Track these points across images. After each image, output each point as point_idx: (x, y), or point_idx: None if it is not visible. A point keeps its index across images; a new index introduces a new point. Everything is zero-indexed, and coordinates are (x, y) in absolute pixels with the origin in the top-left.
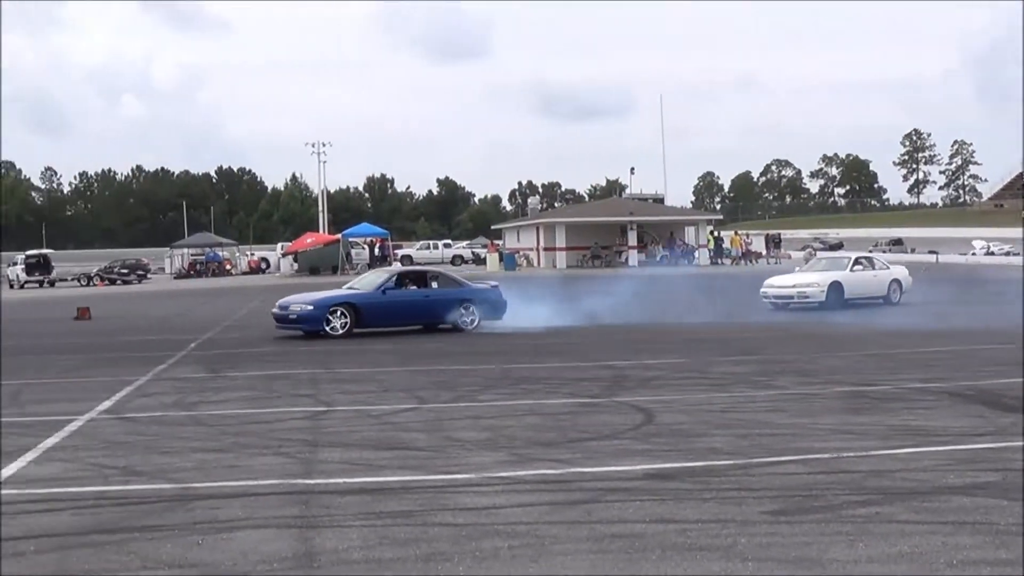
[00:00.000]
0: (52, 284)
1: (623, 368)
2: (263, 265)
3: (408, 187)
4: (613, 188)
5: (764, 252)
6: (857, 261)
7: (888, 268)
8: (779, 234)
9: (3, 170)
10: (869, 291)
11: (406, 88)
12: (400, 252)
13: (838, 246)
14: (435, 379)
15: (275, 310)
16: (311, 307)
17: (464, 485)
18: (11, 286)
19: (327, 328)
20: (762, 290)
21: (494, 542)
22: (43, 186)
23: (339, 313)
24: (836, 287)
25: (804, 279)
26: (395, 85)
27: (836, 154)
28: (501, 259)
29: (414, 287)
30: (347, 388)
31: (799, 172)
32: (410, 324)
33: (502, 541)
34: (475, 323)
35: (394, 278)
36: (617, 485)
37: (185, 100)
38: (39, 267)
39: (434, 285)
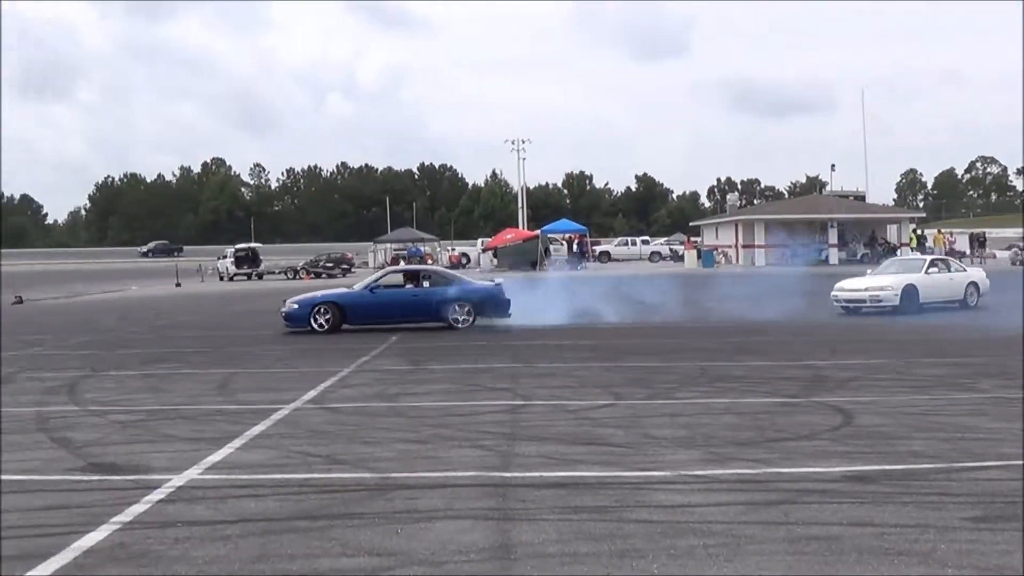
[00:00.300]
0: (260, 277)
1: (822, 368)
2: (463, 260)
3: (606, 183)
4: (813, 185)
5: (968, 251)
6: (933, 263)
7: (965, 270)
8: (984, 233)
9: (213, 167)
10: (945, 294)
11: (605, 85)
12: (598, 248)
13: None
14: (632, 376)
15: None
16: (296, 306)
17: (660, 482)
18: (221, 278)
19: (313, 325)
20: (832, 293)
21: (689, 540)
22: (252, 182)
23: (322, 311)
24: (911, 290)
25: (877, 282)
26: (594, 83)
27: None
28: (699, 256)
29: (409, 285)
30: (545, 383)
31: (1005, 169)
32: (399, 321)
33: (697, 540)
34: (469, 321)
35: (384, 276)
36: (815, 487)
37: (389, 98)
38: (248, 260)
39: (426, 284)
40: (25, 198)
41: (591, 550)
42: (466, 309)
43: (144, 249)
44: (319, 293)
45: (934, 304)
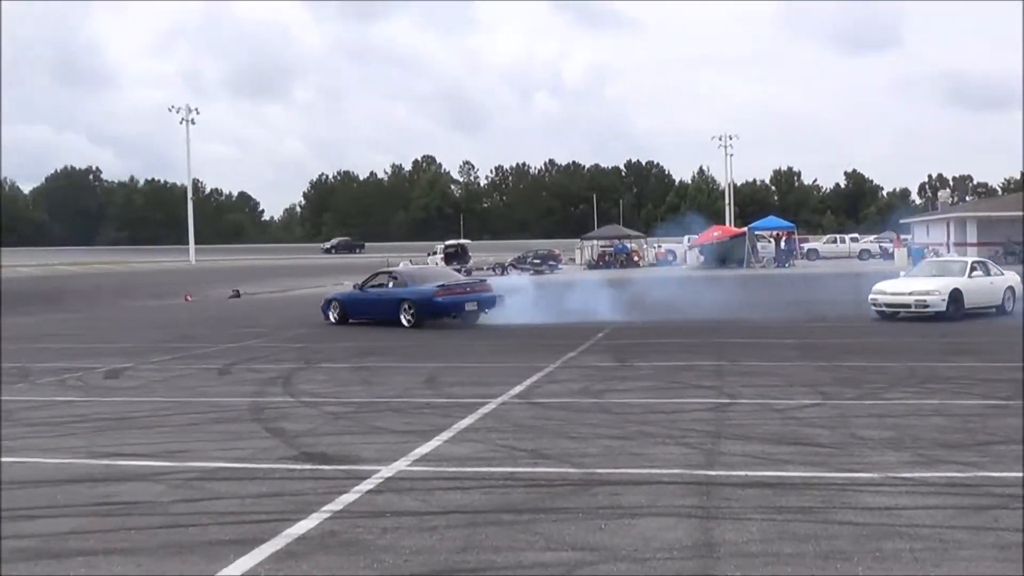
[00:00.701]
0: (468, 273)
1: None
2: (669, 257)
3: (815, 180)
4: None
5: None
6: (974, 266)
7: (1003, 274)
8: None
9: (424, 164)
10: (986, 300)
11: (813, 81)
12: (806, 246)
13: None
14: (840, 375)
15: None
16: (323, 302)
17: (867, 484)
18: None
19: (330, 317)
20: (870, 296)
21: (895, 543)
22: (461, 179)
23: (334, 306)
24: (956, 295)
25: (922, 285)
26: (802, 78)
27: None
28: (909, 254)
29: (390, 284)
30: (751, 381)
31: None
32: (380, 317)
33: (904, 543)
34: (411, 321)
35: (374, 278)
36: None
37: (595, 96)
38: (457, 256)
39: (390, 285)
40: (243, 195)
41: (795, 551)
42: (411, 311)
43: (327, 246)
44: (332, 292)
45: (975, 310)
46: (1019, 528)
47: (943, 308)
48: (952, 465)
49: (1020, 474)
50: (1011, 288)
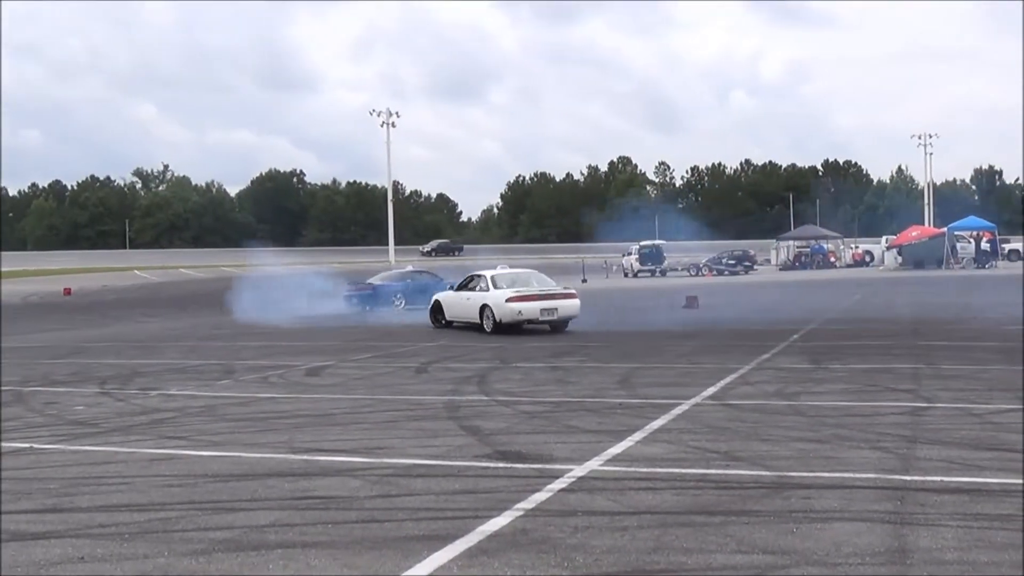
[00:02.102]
0: (663, 273)
1: None
2: (867, 258)
3: (1017, 179)
4: None
5: None
6: None
7: None
8: None
9: (620, 165)
10: None
11: (1015, 76)
12: (1007, 247)
13: None
14: None
15: None
16: (345, 293)
17: None
18: (625, 275)
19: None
20: None
21: None
22: (656, 180)
23: (355, 300)
24: None
25: None
26: (1003, 73)
27: None
28: None
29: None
30: (950, 385)
31: None
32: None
33: None
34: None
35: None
36: None
37: (792, 94)
38: (651, 257)
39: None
40: (441, 197)
41: (991, 559)
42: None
43: (426, 248)
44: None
45: None
46: None
47: None
48: None
49: None
50: None
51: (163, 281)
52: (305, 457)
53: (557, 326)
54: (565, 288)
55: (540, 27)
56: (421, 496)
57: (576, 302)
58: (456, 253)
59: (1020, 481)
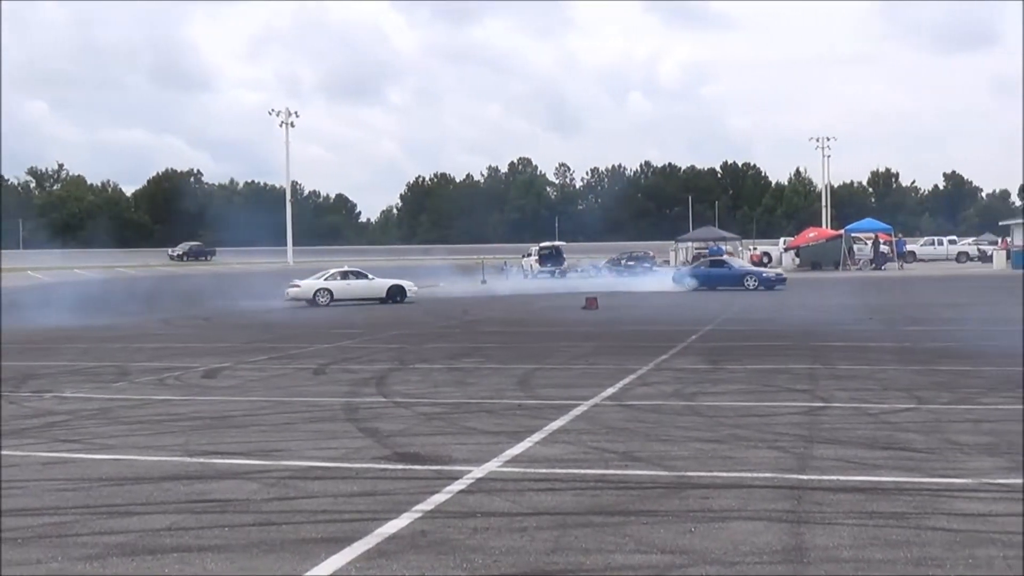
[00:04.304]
0: (563, 275)
1: None
2: (765, 259)
3: (913, 182)
4: None
5: None
6: None
7: None
8: None
9: (520, 166)
10: None
11: (911, 80)
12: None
13: None
14: (936, 379)
15: None
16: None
17: (961, 490)
18: (525, 276)
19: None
20: None
21: (989, 551)
22: (557, 181)
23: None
24: None
25: None
26: (901, 78)
27: None
28: (1008, 256)
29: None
30: (846, 385)
31: None
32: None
33: (997, 550)
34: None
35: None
36: None
37: (690, 97)
38: (551, 258)
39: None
40: (340, 197)
41: (886, 556)
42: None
43: (175, 252)
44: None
45: None
46: None
47: None
48: None
49: None
50: None
51: (56, 282)
52: (202, 460)
53: None
54: None
55: (438, 27)
56: (319, 498)
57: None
58: (208, 257)
59: (914, 479)
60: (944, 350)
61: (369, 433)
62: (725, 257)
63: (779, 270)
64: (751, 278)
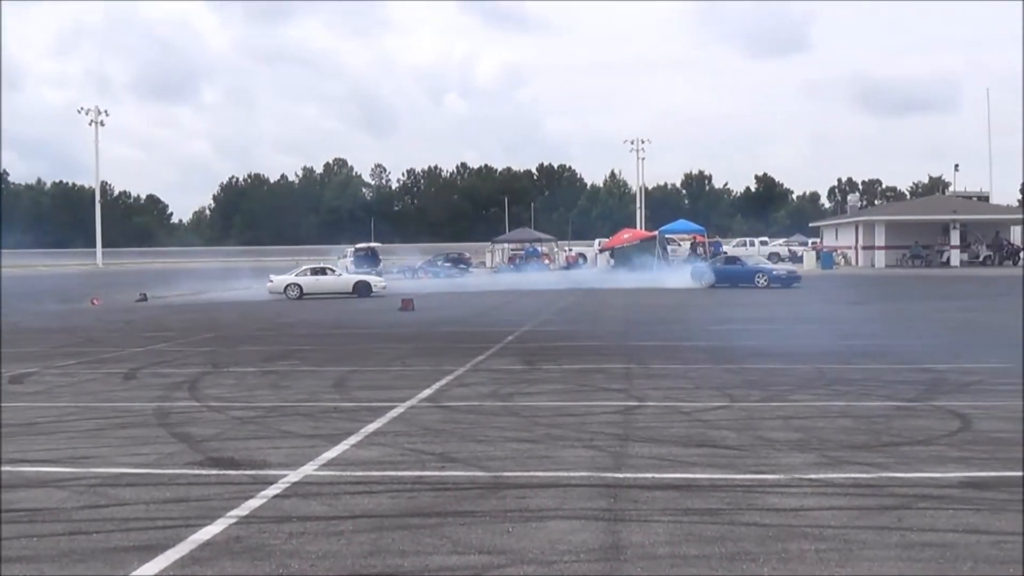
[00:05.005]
0: (379, 276)
1: (942, 371)
2: (580, 260)
3: (725, 184)
4: (936, 185)
5: None
6: None
7: None
8: None
9: (335, 167)
10: None
11: (724, 84)
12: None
13: None
14: (747, 377)
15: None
16: (272, 282)
17: (773, 485)
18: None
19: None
20: None
21: (801, 544)
22: (373, 182)
23: (292, 287)
24: None
25: None
26: (714, 81)
27: None
28: (818, 257)
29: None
30: (660, 384)
31: None
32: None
33: (809, 544)
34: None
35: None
36: (930, 492)
37: (506, 98)
38: (367, 259)
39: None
40: (151, 198)
41: (701, 552)
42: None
43: None
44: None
45: None
46: (923, 528)
47: None
48: (857, 466)
49: (923, 475)
50: None
51: None
52: (8, 468)
53: None
54: None
55: (251, 27)
56: (130, 506)
57: None
58: None
59: (727, 476)
60: (754, 349)
61: (182, 438)
62: (738, 254)
63: (793, 267)
64: (762, 276)
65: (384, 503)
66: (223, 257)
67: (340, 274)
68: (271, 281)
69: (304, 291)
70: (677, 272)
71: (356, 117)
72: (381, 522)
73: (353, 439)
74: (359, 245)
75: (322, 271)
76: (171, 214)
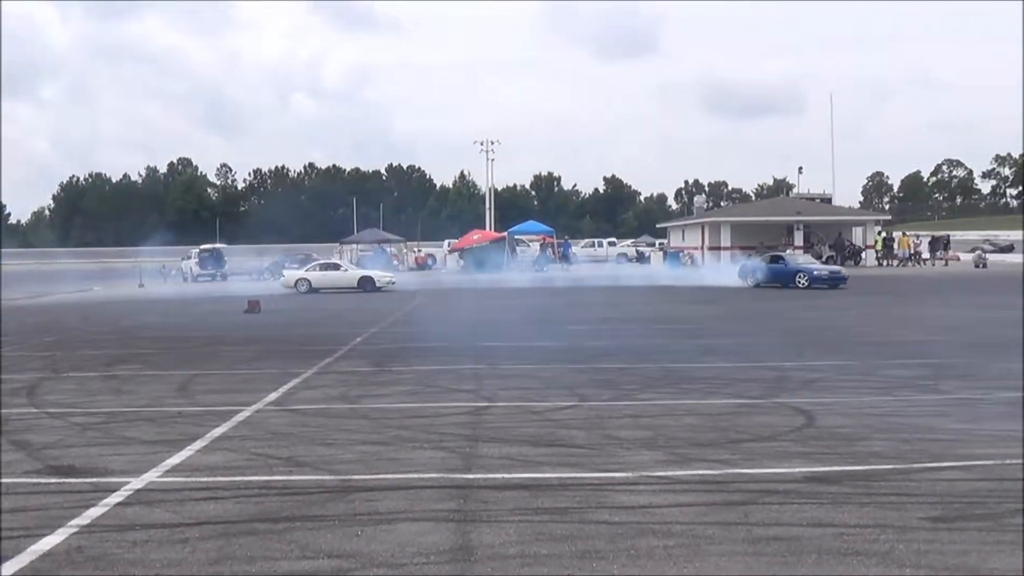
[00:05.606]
0: (224, 278)
1: (787, 369)
2: (429, 261)
3: (575, 185)
4: (780, 187)
5: (929, 254)
6: None
7: None
8: (948, 236)
9: (180, 167)
10: None
11: (575, 86)
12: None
13: (1008, 248)
14: (597, 377)
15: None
16: (284, 276)
17: (622, 483)
18: (185, 279)
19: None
20: None
21: (649, 541)
22: (218, 183)
23: (301, 282)
24: None
25: None
26: (564, 82)
27: (1009, 154)
28: (665, 257)
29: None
30: (510, 384)
31: (971, 172)
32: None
33: (658, 540)
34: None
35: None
36: (775, 487)
37: (355, 99)
38: (212, 261)
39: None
40: None
41: (551, 551)
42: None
43: None
44: (300, 272)
45: None
46: (769, 522)
47: None
48: (704, 463)
49: (768, 470)
50: None
51: None
52: None
53: None
54: None
55: (92, 23)
56: None
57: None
58: None
59: (577, 475)
60: (603, 349)
61: (20, 446)
62: (784, 254)
63: (837, 266)
64: (803, 276)
65: (230, 509)
66: (64, 259)
67: (347, 270)
68: (283, 276)
69: (312, 285)
70: (527, 272)
71: (202, 116)
72: (228, 528)
73: (198, 444)
74: (204, 246)
75: (332, 266)
76: (9, 214)
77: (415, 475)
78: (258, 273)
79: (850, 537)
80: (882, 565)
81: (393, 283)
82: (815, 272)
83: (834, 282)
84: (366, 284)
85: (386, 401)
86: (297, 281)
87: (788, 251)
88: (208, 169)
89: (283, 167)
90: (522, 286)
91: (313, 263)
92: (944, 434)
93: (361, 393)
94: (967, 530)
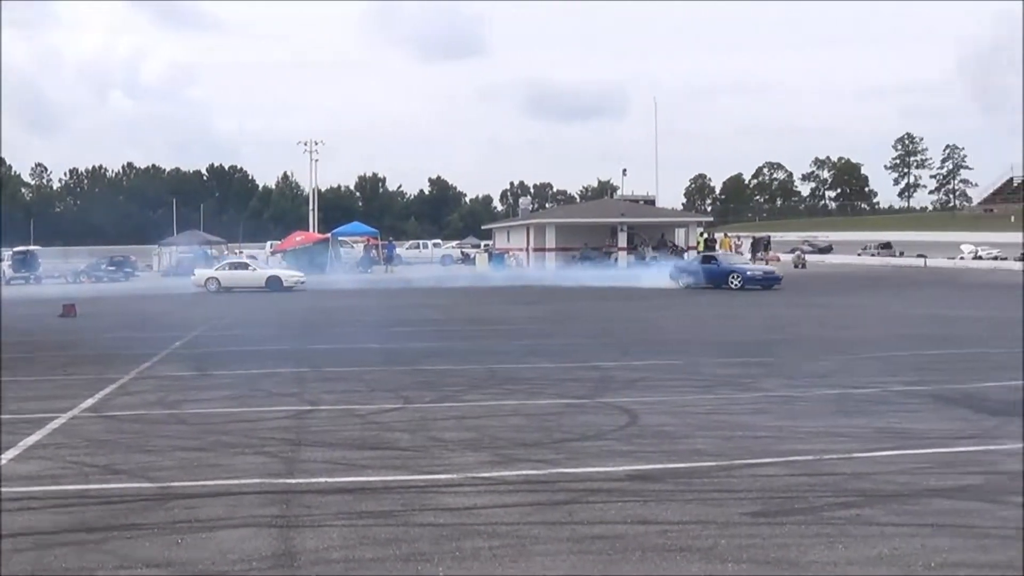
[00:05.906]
0: (39, 281)
1: (610, 369)
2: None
3: (399, 186)
4: (604, 189)
5: (751, 254)
6: None
7: None
8: (768, 236)
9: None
10: None
11: (399, 87)
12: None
13: (827, 249)
14: (420, 379)
15: None
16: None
17: (446, 485)
18: None
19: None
20: None
21: (475, 542)
22: (33, 182)
23: (210, 280)
24: None
25: None
26: (388, 84)
27: (828, 157)
28: (490, 259)
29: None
30: (333, 387)
31: (790, 175)
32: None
33: (483, 541)
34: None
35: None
36: (600, 486)
37: (175, 98)
38: (25, 263)
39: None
40: None
41: (376, 555)
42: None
43: None
44: (209, 271)
45: None
46: (593, 521)
47: None
48: (529, 463)
49: (593, 469)
50: None
51: None
52: None
53: None
54: None
55: None
56: None
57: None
58: None
59: (401, 477)
60: (427, 350)
61: None
62: (715, 254)
63: (771, 267)
64: (736, 276)
65: (46, 519)
66: None
67: (255, 269)
68: (194, 275)
69: (221, 284)
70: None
71: (14, 114)
72: (42, 539)
73: (11, 453)
74: (17, 248)
75: (240, 266)
76: None
77: (236, 481)
78: (74, 275)
79: (673, 534)
80: (705, 561)
81: (303, 283)
82: (748, 273)
83: (768, 283)
84: (274, 284)
85: (207, 406)
86: (207, 280)
87: (613, 252)
88: (22, 169)
89: (101, 167)
90: (346, 287)
91: (223, 262)
92: (764, 431)
93: (181, 398)
94: (787, 524)
